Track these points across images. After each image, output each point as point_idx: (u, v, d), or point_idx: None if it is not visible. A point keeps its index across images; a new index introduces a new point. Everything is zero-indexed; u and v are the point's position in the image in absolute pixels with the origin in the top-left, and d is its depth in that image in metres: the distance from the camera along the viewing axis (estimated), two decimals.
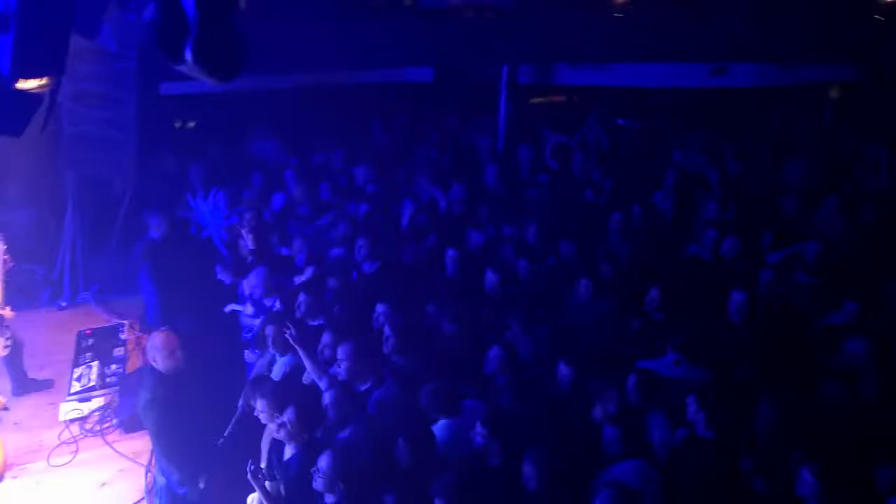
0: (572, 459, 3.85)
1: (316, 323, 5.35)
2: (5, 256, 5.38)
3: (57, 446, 5.14)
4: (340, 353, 4.59)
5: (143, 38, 6.55)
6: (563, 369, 4.50)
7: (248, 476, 3.96)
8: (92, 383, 5.64)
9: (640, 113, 7.65)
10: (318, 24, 7.86)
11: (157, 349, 4.56)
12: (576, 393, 4.41)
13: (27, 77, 3.98)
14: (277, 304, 5.67)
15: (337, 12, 8.05)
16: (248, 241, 6.43)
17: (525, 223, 6.15)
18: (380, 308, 5.17)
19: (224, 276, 5.95)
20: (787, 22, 6.80)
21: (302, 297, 5.42)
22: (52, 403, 5.56)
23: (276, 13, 7.49)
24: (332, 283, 5.71)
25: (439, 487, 3.59)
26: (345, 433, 4.24)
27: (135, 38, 6.67)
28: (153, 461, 4.92)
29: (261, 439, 4.81)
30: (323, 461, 3.77)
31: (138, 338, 6.17)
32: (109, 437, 5.23)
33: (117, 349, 6.07)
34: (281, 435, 4.20)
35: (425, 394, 4.27)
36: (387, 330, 4.90)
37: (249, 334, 5.71)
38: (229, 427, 4.76)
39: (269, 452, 4.48)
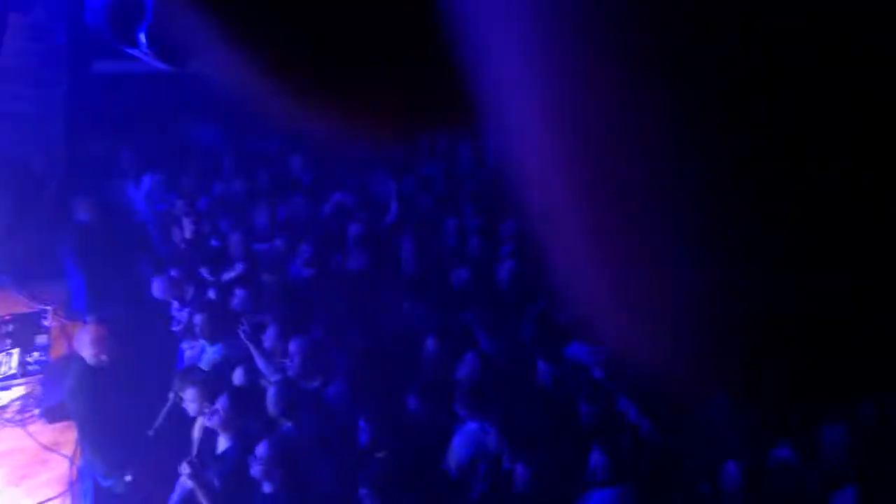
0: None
1: (252, 317, 5.31)
2: None
3: None
4: (293, 347, 4.58)
5: (76, 13, 6.30)
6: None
7: (184, 471, 3.91)
8: (12, 371, 5.43)
9: None
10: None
11: (85, 340, 4.48)
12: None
13: None
14: (210, 294, 5.58)
15: None
16: (181, 230, 6.29)
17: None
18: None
19: (157, 291, 5.72)
20: None
21: (238, 292, 5.35)
22: None
23: None
24: (266, 278, 5.64)
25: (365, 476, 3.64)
26: (288, 425, 4.24)
27: (67, 13, 6.42)
28: (77, 453, 4.78)
29: (191, 432, 4.75)
30: (261, 448, 3.78)
31: (63, 325, 5.96)
32: (30, 428, 5.05)
33: (40, 336, 5.85)
34: (213, 423, 4.17)
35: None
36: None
37: (178, 327, 5.58)
38: (159, 419, 4.68)
39: (201, 444, 4.44)
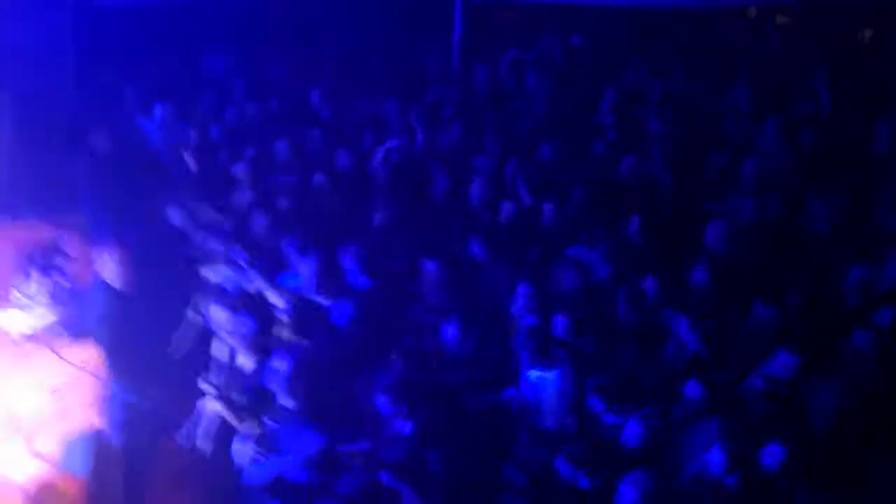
0: None
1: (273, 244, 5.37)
2: None
3: (3, 355, 5.09)
4: (304, 267, 4.65)
5: None
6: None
7: (205, 387, 4.02)
8: (38, 295, 5.55)
9: (592, 31, 7.63)
10: None
11: (108, 263, 4.54)
12: None
13: None
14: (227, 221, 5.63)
15: None
16: (192, 160, 6.31)
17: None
18: None
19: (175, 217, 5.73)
20: None
21: (257, 219, 5.40)
22: None
23: None
24: (282, 202, 5.66)
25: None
26: (305, 343, 4.34)
27: None
28: (104, 372, 4.93)
29: (210, 349, 4.87)
30: (282, 363, 3.83)
31: (84, 252, 6.06)
32: (58, 348, 5.20)
33: (63, 263, 5.95)
34: (237, 342, 4.27)
35: None
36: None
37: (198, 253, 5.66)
38: (179, 339, 4.79)
39: (223, 361, 4.55)
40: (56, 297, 5.62)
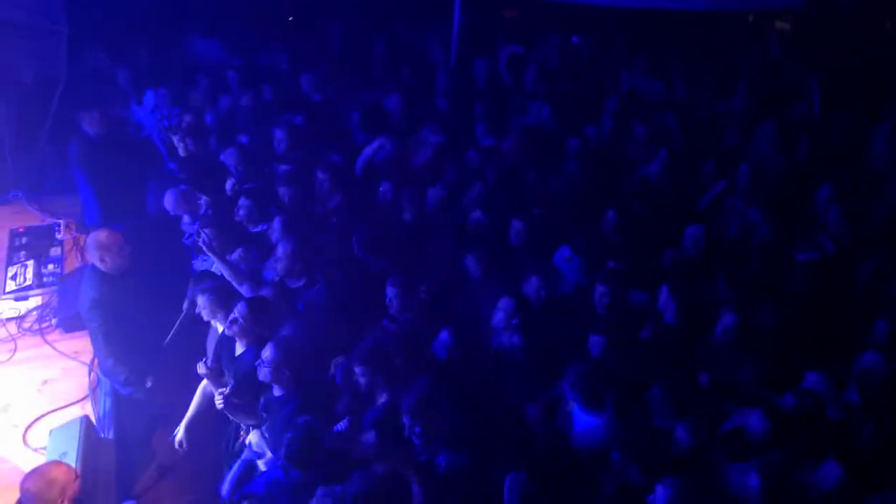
0: None
1: (257, 229, 5.35)
2: None
3: None
4: (280, 250, 4.65)
5: None
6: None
7: (203, 371, 4.01)
8: (28, 282, 5.50)
9: (592, 31, 7.62)
10: None
11: (101, 247, 4.49)
12: None
13: None
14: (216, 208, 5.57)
15: None
16: (185, 145, 6.23)
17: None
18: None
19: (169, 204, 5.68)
20: None
21: (243, 201, 5.37)
22: None
23: None
24: (283, 191, 5.60)
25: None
26: (285, 330, 4.33)
27: None
28: (96, 361, 4.90)
29: (205, 340, 4.86)
30: (266, 351, 3.85)
31: (76, 238, 6.01)
32: (49, 337, 5.16)
33: (53, 249, 5.90)
34: (233, 331, 4.25)
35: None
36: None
37: (189, 239, 5.62)
38: (174, 327, 4.76)
39: (218, 350, 4.54)
40: (46, 283, 5.58)
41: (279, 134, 6.20)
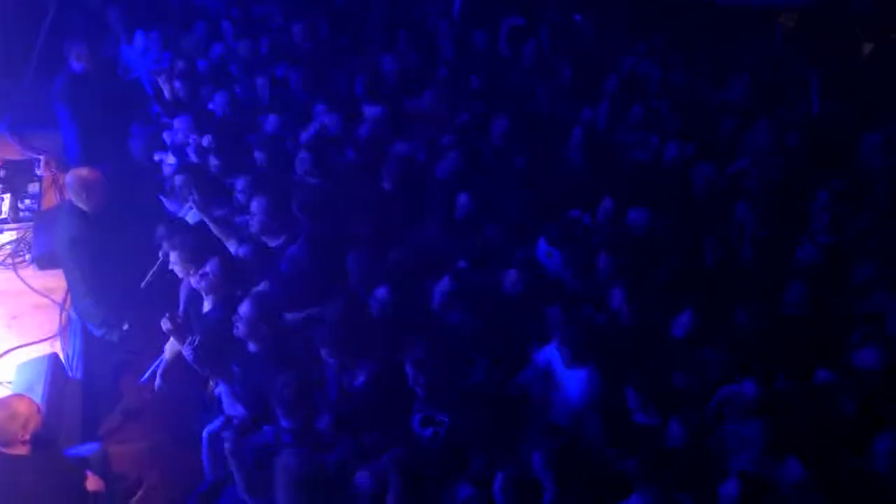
0: None
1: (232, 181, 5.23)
2: None
3: None
4: (255, 206, 4.57)
5: None
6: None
7: (165, 325, 3.95)
8: (3, 216, 5.42)
9: (594, 11, 7.52)
10: None
11: (81, 185, 4.39)
12: None
13: None
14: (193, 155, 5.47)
15: None
16: (174, 89, 6.08)
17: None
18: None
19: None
20: None
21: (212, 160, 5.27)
22: None
23: None
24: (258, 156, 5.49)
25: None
26: (260, 286, 4.29)
27: None
28: (69, 299, 4.85)
29: (179, 288, 4.80)
30: (244, 307, 3.82)
31: (55, 175, 5.91)
32: (22, 273, 5.10)
33: (32, 184, 5.82)
34: (202, 286, 4.20)
35: None
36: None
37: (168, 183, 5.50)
38: (149, 275, 4.69)
39: (187, 304, 4.49)
40: (22, 218, 5.50)
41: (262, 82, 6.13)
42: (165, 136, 5.69)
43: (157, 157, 5.62)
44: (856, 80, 6.52)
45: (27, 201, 5.65)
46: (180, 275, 4.47)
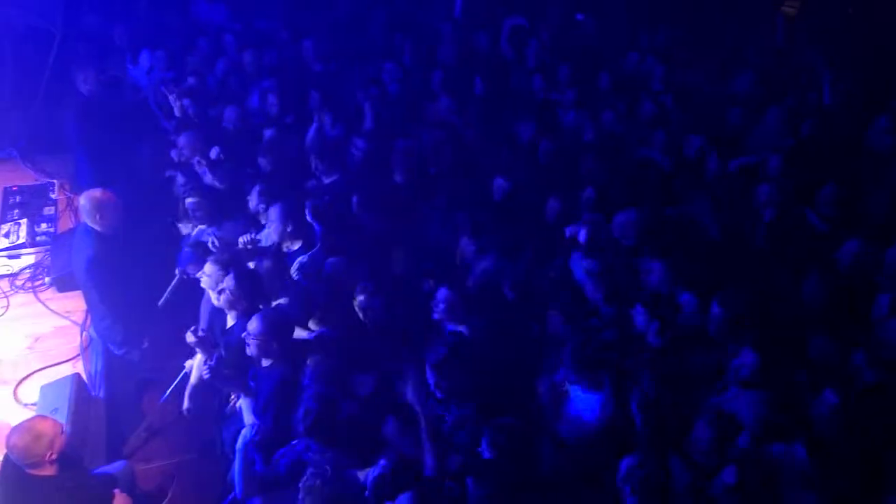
0: None
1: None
2: None
3: None
4: (271, 213, 4.59)
5: None
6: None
7: (192, 340, 3.97)
8: (21, 240, 5.49)
9: (597, 8, 7.53)
10: None
11: (94, 206, 4.42)
12: None
13: None
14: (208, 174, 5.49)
15: None
16: (182, 107, 6.13)
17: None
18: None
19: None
20: None
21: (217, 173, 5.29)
22: None
23: None
24: (263, 163, 5.53)
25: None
26: (279, 301, 4.30)
27: None
28: (88, 320, 4.90)
29: (198, 307, 4.83)
30: (252, 324, 3.80)
31: (69, 198, 5.98)
32: (42, 295, 5.16)
33: (47, 208, 5.88)
34: (221, 302, 4.21)
35: None
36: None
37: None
38: (167, 293, 4.72)
39: (212, 319, 4.51)
40: (39, 242, 5.56)
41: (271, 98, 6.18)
42: (174, 154, 5.74)
43: (168, 174, 5.66)
44: (861, 66, 6.47)
45: (43, 225, 5.71)
46: (209, 288, 4.45)
